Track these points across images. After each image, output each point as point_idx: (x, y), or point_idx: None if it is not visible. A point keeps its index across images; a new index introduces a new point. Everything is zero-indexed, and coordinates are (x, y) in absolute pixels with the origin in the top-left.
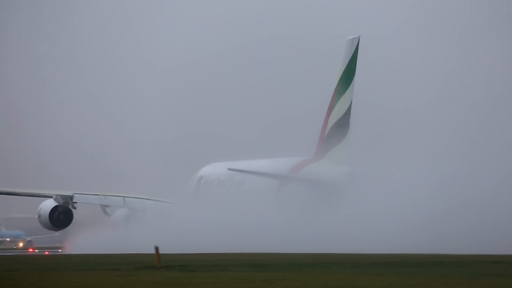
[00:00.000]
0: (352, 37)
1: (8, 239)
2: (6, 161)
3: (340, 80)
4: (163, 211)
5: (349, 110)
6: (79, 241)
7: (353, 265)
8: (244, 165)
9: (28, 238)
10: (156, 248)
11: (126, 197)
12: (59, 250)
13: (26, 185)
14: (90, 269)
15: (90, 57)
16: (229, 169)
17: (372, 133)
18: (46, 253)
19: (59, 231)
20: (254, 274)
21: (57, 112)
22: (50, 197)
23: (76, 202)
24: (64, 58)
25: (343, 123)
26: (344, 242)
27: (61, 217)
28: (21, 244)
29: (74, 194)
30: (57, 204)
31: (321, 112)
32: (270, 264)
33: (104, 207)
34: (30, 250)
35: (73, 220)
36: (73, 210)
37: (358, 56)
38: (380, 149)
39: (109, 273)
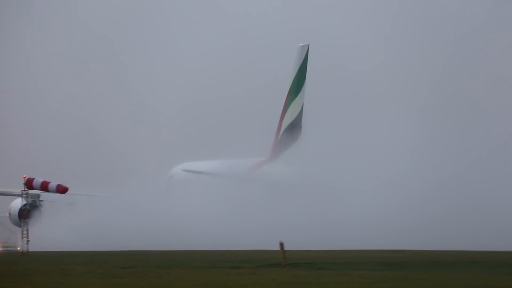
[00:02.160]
0: (302, 44)
1: None
2: None
3: (292, 85)
4: (127, 209)
5: (300, 113)
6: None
7: (497, 264)
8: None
9: None
10: (281, 245)
11: (93, 195)
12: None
13: None
14: (211, 266)
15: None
16: (184, 171)
17: (324, 135)
18: None
19: None
20: (388, 274)
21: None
22: (20, 195)
23: (42, 200)
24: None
25: (296, 126)
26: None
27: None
28: None
29: (41, 193)
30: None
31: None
32: (406, 262)
33: (70, 205)
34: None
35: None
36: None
37: (308, 62)
38: (332, 151)
39: (231, 271)
